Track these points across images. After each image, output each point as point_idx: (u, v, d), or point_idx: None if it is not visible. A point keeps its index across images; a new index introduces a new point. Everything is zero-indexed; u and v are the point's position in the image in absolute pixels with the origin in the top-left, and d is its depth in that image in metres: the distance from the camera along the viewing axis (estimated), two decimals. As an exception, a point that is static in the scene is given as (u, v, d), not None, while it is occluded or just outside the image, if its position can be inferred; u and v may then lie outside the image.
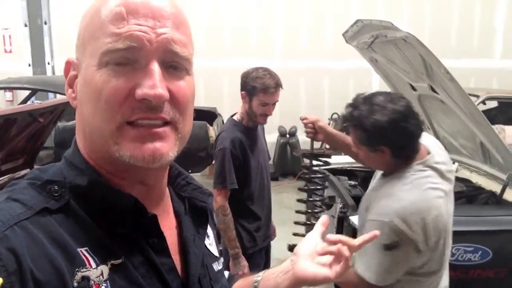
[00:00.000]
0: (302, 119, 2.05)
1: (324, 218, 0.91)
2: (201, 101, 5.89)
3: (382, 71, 2.98)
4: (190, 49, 0.64)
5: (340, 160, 3.38)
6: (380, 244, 1.38)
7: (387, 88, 3.06)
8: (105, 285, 0.58)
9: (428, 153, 1.53)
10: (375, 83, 6.16)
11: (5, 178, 2.56)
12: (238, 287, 0.93)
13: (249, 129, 2.31)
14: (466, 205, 2.45)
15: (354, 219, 2.14)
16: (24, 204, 0.56)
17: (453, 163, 3.02)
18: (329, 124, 6.25)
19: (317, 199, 2.46)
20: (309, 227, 2.40)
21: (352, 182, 2.76)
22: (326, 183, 2.66)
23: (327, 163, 2.45)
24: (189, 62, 0.64)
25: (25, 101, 4.70)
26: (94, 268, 0.57)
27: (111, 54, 0.58)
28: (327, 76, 6.95)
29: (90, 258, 0.58)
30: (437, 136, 2.93)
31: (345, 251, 0.80)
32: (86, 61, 0.61)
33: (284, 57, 6.77)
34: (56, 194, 0.59)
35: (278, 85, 2.18)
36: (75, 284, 0.55)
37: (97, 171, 0.63)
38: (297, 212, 2.55)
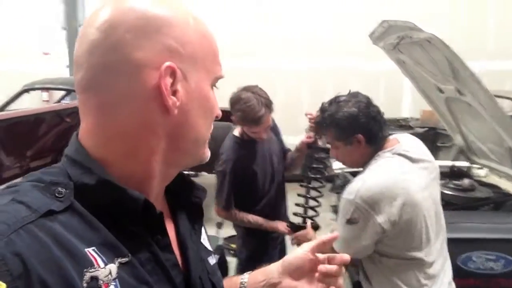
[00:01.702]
0: (306, 115, 2.24)
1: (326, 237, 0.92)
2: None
3: (410, 73, 2.91)
4: None
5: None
6: (344, 218, 1.58)
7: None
8: (114, 284, 0.58)
9: (398, 142, 1.67)
10: (407, 85, 6.04)
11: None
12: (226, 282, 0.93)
13: (250, 142, 2.29)
14: (489, 212, 2.37)
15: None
16: (29, 206, 0.56)
17: (482, 168, 2.94)
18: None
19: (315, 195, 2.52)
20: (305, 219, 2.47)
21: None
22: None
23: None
24: None
25: (59, 101, 4.85)
26: (102, 268, 0.57)
27: (217, 80, 0.71)
28: (356, 78, 6.86)
29: (98, 258, 0.58)
30: (465, 140, 2.85)
31: (339, 274, 0.85)
32: (198, 75, 0.67)
33: (311, 58, 6.73)
34: (60, 196, 0.59)
35: (263, 115, 2.10)
36: (84, 285, 0.55)
37: (105, 170, 0.63)
38: (296, 205, 2.56)
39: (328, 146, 2.46)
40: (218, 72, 0.71)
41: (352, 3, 6.84)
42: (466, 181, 2.65)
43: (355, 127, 1.64)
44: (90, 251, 0.57)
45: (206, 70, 0.68)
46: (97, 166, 0.63)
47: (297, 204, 2.54)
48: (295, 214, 2.52)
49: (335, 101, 1.72)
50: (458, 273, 1.92)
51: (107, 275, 0.57)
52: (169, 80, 0.62)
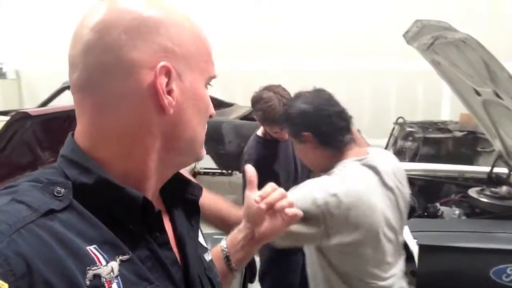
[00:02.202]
0: None
1: (248, 168, 1.08)
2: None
3: (445, 75, 2.81)
4: None
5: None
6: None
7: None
8: (116, 281, 0.58)
9: (367, 154, 1.50)
10: (446, 87, 5.84)
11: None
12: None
13: (273, 142, 2.28)
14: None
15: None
16: (29, 206, 0.57)
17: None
18: (393, 128, 6.03)
19: None
20: None
21: (406, 191, 2.63)
22: None
23: None
24: None
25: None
26: (104, 265, 0.58)
27: (210, 80, 0.72)
28: (393, 79, 6.70)
29: (99, 256, 0.58)
30: (504, 145, 2.72)
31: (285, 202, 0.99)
32: (192, 75, 0.68)
33: (347, 58, 6.62)
34: (59, 195, 0.60)
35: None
36: (87, 282, 0.56)
37: (103, 169, 0.64)
38: None
39: None
40: (212, 72, 0.72)
41: (389, 2, 6.68)
42: (504, 189, 2.52)
43: (303, 124, 1.50)
44: (92, 249, 0.58)
45: (200, 70, 0.69)
46: (94, 165, 0.64)
47: None
48: None
49: (298, 95, 1.63)
50: (491, 286, 1.83)
51: (109, 273, 0.58)
52: (164, 80, 0.63)
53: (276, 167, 2.28)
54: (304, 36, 6.77)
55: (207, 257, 0.83)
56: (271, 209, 0.98)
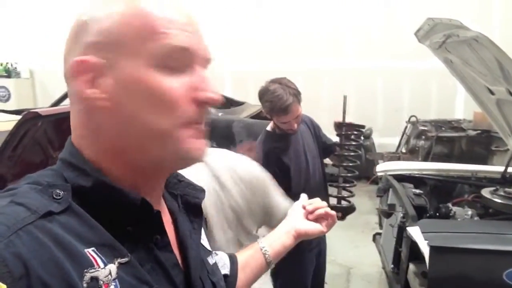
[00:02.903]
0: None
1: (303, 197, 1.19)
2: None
3: (458, 73, 2.77)
4: None
5: (408, 166, 3.21)
6: None
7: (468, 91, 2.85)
8: (114, 284, 0.58)
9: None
10: (460, 85, 5.77)
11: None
12: (249, 260, 1.04)
13: (283, 136, 2.29)
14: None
15: (411, 231, 2.01)
16: (28, 208, 0.56)
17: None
18: (406, 127, 5.98)
19: (350, 164, 2.45)
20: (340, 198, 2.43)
21: (417, 191, 2.60)
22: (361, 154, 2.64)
23: (360, 130, 2.48)
24: None
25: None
26: (102, 268, 0.57)
27: (163, 54, 0.61)
28: (407, 77, 6.63)
29: (97, 258, 0.58)
30: (518, 145, 2.68)
31: (331, 211, 1.12)
32: (129, 61, 0.61)
33: (360, 57, 6.58)
34: (58, 197, 0.59)
35: (290, 104, 2.11)
36: (85, 285, 0.55)
37: (100, 171, 0.63)
38: (329, 185, 2.53)
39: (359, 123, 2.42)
40: (161, 48, 0.61)
41: (401, 0, 6.61)
42: (518, 189, 2.47)
43: None
44: (90, 252, 0.57)
45: (140, 52, 0.61)
46: (91, 167, 0.63)
47: (330, 184, 2.50)
48: (329, 195, 2.48)
49: None
50: (503, 288, 1.80)
51: (107, 275, 0.57)
52: (86, 75, 0.62)
53: (285, 159, 2.27)
54: (317, 36, 6.76)
55: (211, 260, 0.82)
56: (312, 213, 1.12)
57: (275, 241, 1.08)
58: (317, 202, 1.14)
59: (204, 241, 0.83)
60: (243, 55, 6.93)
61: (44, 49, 7.32)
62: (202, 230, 0.83)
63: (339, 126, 2.42)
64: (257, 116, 5.11)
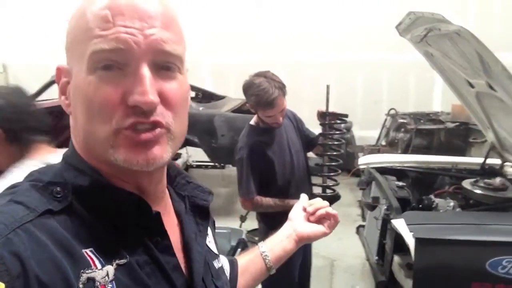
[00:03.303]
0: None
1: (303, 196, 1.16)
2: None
3: (438, 66, 2.80)
4: (182, 47, 0.63)
5: (390, 159, 3.25)
6: None
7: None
8: (110, 285, 0.57)
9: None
10: (438, 78, 5.86)
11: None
12: (249, 264, 1.01)
13: (267, 130, 2.28)
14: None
15: (396, 223, 2.04)
16: (27, 206, 0.56)
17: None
18: (385, 120, 6.05)
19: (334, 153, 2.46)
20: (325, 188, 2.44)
21: (400, 183, 2.64)
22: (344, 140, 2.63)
23: (343, 119, 2.46)
24: (181, 60, 0.63)
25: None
26: (99, 269, 0.57)
27: (97, 57, 0.57)
28: (386, 70, 6.70)
29: (95, 259, 0.57)
30: (497, 136, 2.73)
31: (332, 211, 1.07)
32: (75, 66, 0.61)
33: (340, 50, 6.61)
34: (58, 196, 0.59)
35: (276, 97, 2.10)
36: (81, 285, 0.55)
37: (98, 171, 0.63)
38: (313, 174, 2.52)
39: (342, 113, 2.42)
40: (89, 49, 0.58)
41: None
42: (497, 180, 2.53)
43: None
44: (88, 252, 0.57)
45: (79, 54, 0.59)
46: (89, 167, 0.63)
47: (313, 174, 2.49)
48: (313, 184, 2.49)
49: None
50: (487, 278, 1.84)
51: (104, 277, 0.57)
52: (64, 80, 0.64)
53: (269, 153, 2.26)
54: (298, 30, 6.76)
55: (217, 264, 0.81)
56: (313, 214, 1.08)
57: (276, 245, 1.04)
58: (318, 202, 1.10)
59: (211, 244, 0.82)
60: (223, 48, 6.87)
61: (18, 43, 7.14)
62: (210, 232, 0.82)
63: (322, 116, 2.42)
64: (238, 110, 5.10)
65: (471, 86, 2.50)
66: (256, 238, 4.32)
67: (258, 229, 2.63)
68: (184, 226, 0.73)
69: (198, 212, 0.77)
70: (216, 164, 5.40)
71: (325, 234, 1.08)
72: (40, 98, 4.91)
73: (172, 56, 0.61)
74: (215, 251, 0.83)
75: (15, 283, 0.50)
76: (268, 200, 2.26)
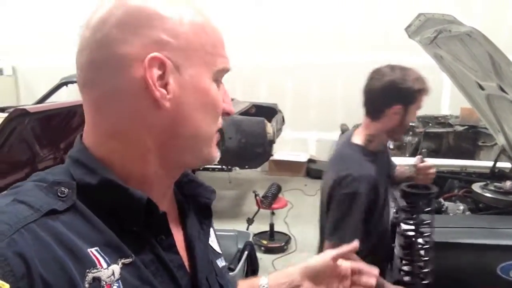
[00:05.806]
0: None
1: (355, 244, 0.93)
2: (263, 98, 5.93)
3: (448, 69, 2.79)
4: None
5: (400, 162, 3.23)
6: None
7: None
8: (116, 285, 0.57)
9: None
10: (446, 81, 5.83)
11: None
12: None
13: (378, 155, 1.79)
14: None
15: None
16: (31, 206, 0.56)
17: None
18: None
19: None
20: None
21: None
22: None
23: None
24: None
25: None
26: (105, 268, 0.57)
27: (222, 74, 0.69)
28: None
29: (100, 258, 0.57)
30: (508, 139, 2.70)
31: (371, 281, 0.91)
32: (194, 68, 0.64)
33: (348, 52, 6.60)
34: (63, 195, 0.59)
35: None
36: (86, 285, 0.55)
37: (108, 170, 0.63)
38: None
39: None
40: (220, 65, 0.68)
41: (391, -4, 6.66)
42: (508, 183, 2.50)
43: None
44: (93, 252, 0.57)
45: (205, 63, 0.65)
46: (99, 165, 0.63)
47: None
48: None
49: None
50: (498, 283, 1.81)
51: (110, 276, 0.57)
52: (156, 72, 0.61)
53: (380, 189, 1.78)
54: (305, 31, 6.76)
55: (220, 263, 0.81)
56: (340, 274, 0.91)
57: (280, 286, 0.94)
58: (361, 264, 0.92)
59: (213, 243, 0.82)
60: (230, 50, 6.86)
61: (27, 46, 7.20)
62: (212, 231, 0.82)
63: (406, 195, 1.83)
64: (245, 112, 5.12)
65: (482, 88, 2.48)
66: (264, 241, 4.32)
67: None
68: (187, 225, 0.74)
69: (201, 211, 0.78)
70: (223, 166, 5.40)
71: None
72: (48, 100, 4.95)
73: None
74: (218, 250, 0.83)
75: (19, 284, 0.50)
76: None
